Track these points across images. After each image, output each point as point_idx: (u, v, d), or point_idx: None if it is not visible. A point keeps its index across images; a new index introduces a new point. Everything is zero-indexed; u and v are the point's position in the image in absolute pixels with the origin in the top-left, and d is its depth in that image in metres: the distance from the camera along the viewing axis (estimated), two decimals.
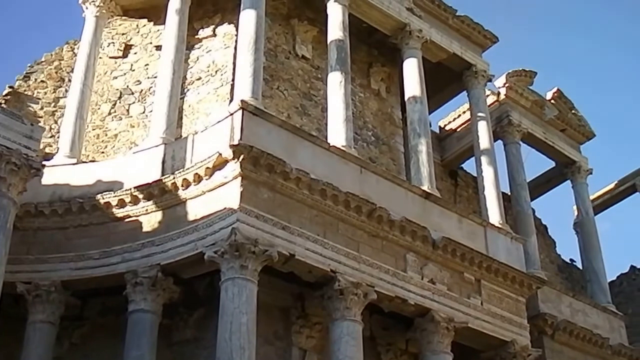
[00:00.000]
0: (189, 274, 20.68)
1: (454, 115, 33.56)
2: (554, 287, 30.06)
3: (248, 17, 22.81)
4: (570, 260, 38.15)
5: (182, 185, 20.53)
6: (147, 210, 21.00)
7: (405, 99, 26.75)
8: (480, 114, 28.66)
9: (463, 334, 23.38)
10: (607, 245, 36.16)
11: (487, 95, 30.57)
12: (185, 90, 24.36)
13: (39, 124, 21.83)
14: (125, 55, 26.01)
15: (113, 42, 26.03)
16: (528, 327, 25.53)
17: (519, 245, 26.50)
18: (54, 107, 25.33)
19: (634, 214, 66.28)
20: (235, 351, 18.23)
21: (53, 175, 21.92)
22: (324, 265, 20.48)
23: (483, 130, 28.29)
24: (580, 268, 35.53)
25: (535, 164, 35.27)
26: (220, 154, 19.85)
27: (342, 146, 22.60)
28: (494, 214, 26.53)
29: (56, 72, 25.98)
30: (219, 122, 21.14)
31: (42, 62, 26.23)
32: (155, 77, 24.11)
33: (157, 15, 25.61)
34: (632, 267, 39.31)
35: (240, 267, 18.99)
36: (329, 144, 22.45)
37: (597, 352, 29.51)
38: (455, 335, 22.93)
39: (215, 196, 20.06)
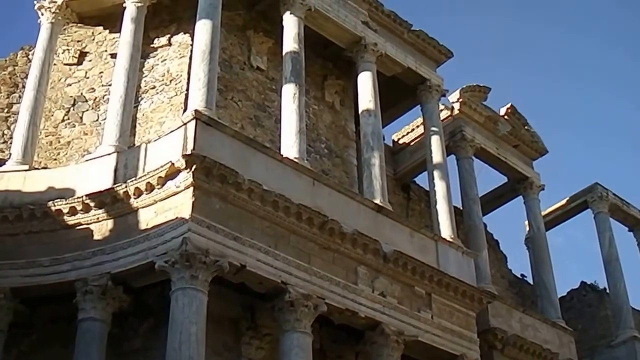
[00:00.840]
0: (140, 283, 20.58)
1: (407, 129, 33.67)
2: (505, 301, 30.27)
3: (203, 27, 22.76)
4: (521, 275, 38.34)
5: (134, 194, 20.43)
6: (98, 218, 20.88)
7: (359, 112, 26.82)
8: (433, 129, 28.80)
9: (413, 348, 23.45)
10: (558, 261, 36.60)
11: (441, 110, 30.73)
12: (140, 98, 24.26)
13: None
14: (80, 63, 25.88)
15: (68, 49, 25.90)
16: (478, 342, 25.63)
17: (470, 260, 26.64)
18: (7, 112, 25.17)
19: (585, 230, 66.91)
20: None
21: (4, 181, 21.86)
22: (275, 277, 20.47)
23: (436, 145, 28.41)
24: (531, 283, 35.84)
25: (488, 179, 35.52)
26: (173, 164, 19.79)
27: (295, 158, 22.62)
28: (446, 228, 26.66)
29: (10, 78, 25.82)
30: (172, 131, 21.11)
31: None
32: (110, 85, 23.98)
33: (112, 23, 25.48)
34: (583, 283, 39.56)
35: (191, 277, 18.93)
36: (282, 155, 22.47)
37: None
38: (405, 349, 23.02)
39: (167, 205, 19.99)
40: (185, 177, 19.72)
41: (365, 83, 26.82)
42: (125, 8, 24.26)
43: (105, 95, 24.46)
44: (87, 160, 22.24)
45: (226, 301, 21.15)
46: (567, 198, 37.80)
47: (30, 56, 25.62)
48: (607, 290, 36.76)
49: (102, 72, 25.41)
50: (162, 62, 24.90)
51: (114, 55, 24.63)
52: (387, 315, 22.79)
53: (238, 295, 21.31)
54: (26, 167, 22.52)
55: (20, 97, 24.86)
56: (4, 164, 22.69)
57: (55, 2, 25.10)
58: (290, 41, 24.84)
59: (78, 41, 26.12)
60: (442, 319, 24.48)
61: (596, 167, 76.15)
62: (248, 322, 21.78)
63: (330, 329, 22.96)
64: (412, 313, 23.63)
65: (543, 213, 35.15)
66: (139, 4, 24.19)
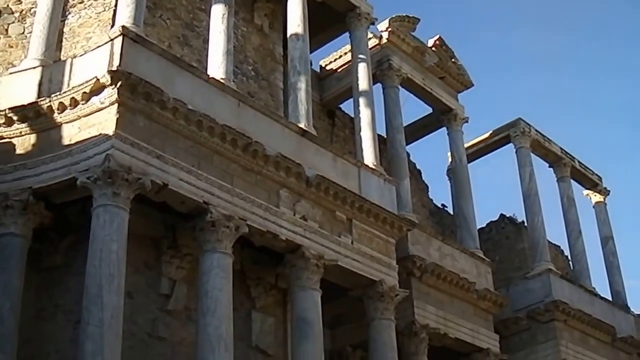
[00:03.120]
0: (61, 199, 20.53)
1: (335, 55, 33.64)
2: (424, 230, 30.67)
3: None
4: (442, 205, 38.95)
5: (58, 109, 20.28)
6: (21, 132, 20.71)
7: (288, 36, 26.70)
8: (361, 56, 28.81)
9: (332, 272, 23.76)
10: (478, 193, 37.06)
11: (369, 38, 30.69)
12: (67, 12, 23.85)
13: None
14: None
15: None
16: (397, 268, 26.07)
17: (392, 188, 26.95)
18: None
19: (506, 164, 67.72)
20: (104, 278, 18.27)
21: None
22: (197, 197, 20.58)
23: (363, 72, 28.46)
24: (451, 214, 36.28)
25: (413, 109, 35.78)
26: (98, 79, 19.67)
27: (221, 79, 22.54)
28: (369, 156, 26.88)
29: None
30: (98, 46, 20.92)
31: None
32: None
33: None
34: (502, 215, 40.30)
35: (113, 194, 18.96)
36: (208, 75, 22.37)
37: (463, 295, 30.26)
38: (324, 273, 23.31)
39: (91, 122, 19.90)
40: (110, 94, 19.61)
41: (295, 7, 26.63)
42: None
43: (32, 7, 23.95)
44: (11, 74, 21.93)
45: (148, 220, 21.24)
46: (490, 132, 38.23)
47: None
48: (525, 224, 37.51)
49: None
50: None
51: None
52: (308, 239, 23.06)
53: (160, 214, 21.40)
54: None
55: None
56: None
57: None
58: None
59: None
60: (362, 244, 24.83)
61: (520, 104, 77.09)
62: (169, 241, 21.95)
63: (251, 250, 23.19)
64: (333, 238, 23.93)
65: (466, 145, 35.47)
66: None
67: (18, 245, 19.97)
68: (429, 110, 35.39)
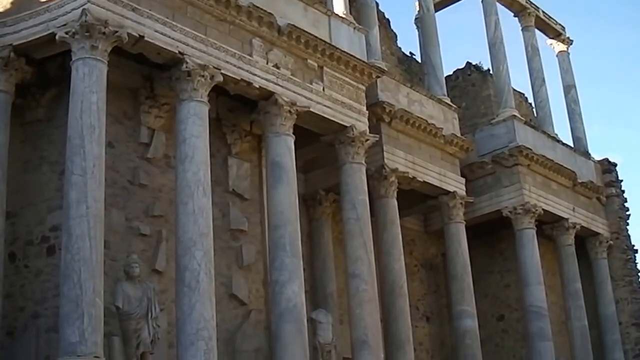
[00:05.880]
0: (41, 55, 20.92)
1: None
2: (393, 77, 31.08)
3: None
4: (410, 53, 39.34)
5: None
6: None
7: None
8: None
9: (305, 118, 24.43)
10: (445, 42, 37.34)
11: None
12: None
13: None
14: None
15: None
16: (367, 114, 26.77)
17: (361, 36, 27.35)
18: None
19: (473, 13, 67.83)
20: (85, 129, 18.78)
21: None
22: (172, 47, 20.96)
23: None
24: (419, 61, 36.79)
25: None
26: None
27: None
28: (339, 4, 27.28)
29: None
30: None
31: None
32: None
33: None
34: (468, 63, 40.65)
35: (91, 47, 19.31)
36: None
37: (431, 140, 31.01)
38: (297, 119, 23.96)
39: None
40: None
41: None
42: None
43: None
44: None
45: (125, 71, 21.70)
46: None
47: None
48: (491, 72, 37.95)
49: None
50: None
51: None
52: (281, 86, 23.59)
53: (137, 65, 21.85)
54: None
55: None
56: None
57: None
58: None
59: None
60: (333, 91, 25.45)
61: None
62: (147, 91, 22.45)
63: (226, 98, 23.77)
64: (305, 85, 24.49)
65: None
66: None
67: (2, 101, 20.46)
68: None
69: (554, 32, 41.94)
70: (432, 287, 35.34)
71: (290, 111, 23.62)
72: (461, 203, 31.63)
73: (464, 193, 31.98)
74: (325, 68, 25.36)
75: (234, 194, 24.42)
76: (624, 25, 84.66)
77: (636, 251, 39.12)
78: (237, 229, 24.16)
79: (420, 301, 34.25)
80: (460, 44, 73.53)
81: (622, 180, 39.91)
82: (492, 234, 35.98)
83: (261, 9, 23.28)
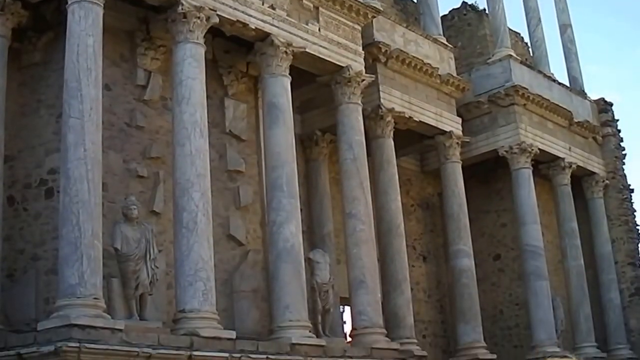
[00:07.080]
0: None
1: None
2: (389, 17, 30.94)
3: None
4: None
5: None
6: None
7: None
8: None
9: (301, 59, 24.44)
10: None
11: None
12: None
13: None
14: None
15: None
16: (363, 54, 26.73)
17: None
18: None
19: None
20: (82, 72, 18.77)
21: None
22: None
23: None
24: (415, 1, 36.67)
25: None
26: None
27: None
28: None
29: None
30: None
31: None
32: None
33: None
34: (464, 2, 40.09)
35: None
36: None
37: (427, 80, 30.97)
38: (293, 60, 23.93)
39: None
40: None
41: None
42: None
43: None
44: None
45: (122, 14, 21.71)
46: None
47: None
48: (487, 11, 37.63)
49: None
50: None
51: None
52: (276, 27, 23.54)
53: (133, 7, 21.85)
54: None
55: None
56: None
57: None
58: None
59: None
60: (329, 31, 25.41)
61: None
62: (143, 33, 22.43)
63: (222, 40, 23.78)
64: (300, 25, 24.44)
65: None
66: None
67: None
68: None
69: None
70: (429, 227, 35.50)
71: (286, 52, 23.60)
72: (457, 143, 31.70)
73: (460, 133, 32.04)
74: (320, 8, 25.30)
75: (231, 135, 24.51)
76: None
77: (632, 191, 39.32)
78: (234, 170, 24.28)
79: (417, 241, 34.43)
80: None
81: (618, 120, 39.94)
82: (488, 173, 36.06)
83: None
